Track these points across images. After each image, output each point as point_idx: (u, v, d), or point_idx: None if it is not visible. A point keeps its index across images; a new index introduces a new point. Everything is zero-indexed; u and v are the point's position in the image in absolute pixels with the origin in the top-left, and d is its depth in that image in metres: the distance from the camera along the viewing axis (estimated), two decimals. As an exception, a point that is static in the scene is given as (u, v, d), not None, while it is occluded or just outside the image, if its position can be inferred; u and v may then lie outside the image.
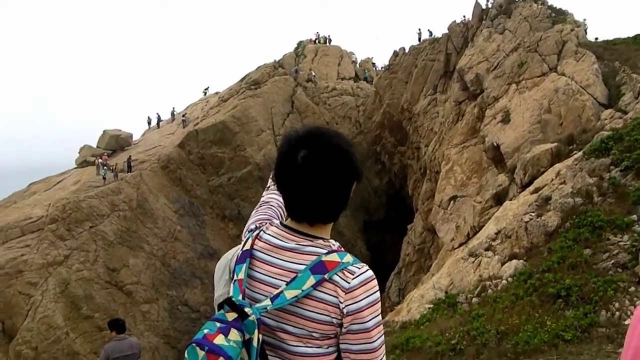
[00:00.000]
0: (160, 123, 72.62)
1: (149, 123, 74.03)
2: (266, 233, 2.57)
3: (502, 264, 17.18)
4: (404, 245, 45.00)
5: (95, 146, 63.82)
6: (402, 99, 53.94)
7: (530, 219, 17.26)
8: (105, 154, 56.78)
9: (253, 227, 2.77)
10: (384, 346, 2.41)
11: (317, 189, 2.40)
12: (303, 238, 2.47)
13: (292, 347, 2.38)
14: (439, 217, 36.33)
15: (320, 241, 2.46)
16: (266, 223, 2.72)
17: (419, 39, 61.60)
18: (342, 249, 2.49)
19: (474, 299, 16.29)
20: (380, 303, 2.39)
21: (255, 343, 2.25)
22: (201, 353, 2.17)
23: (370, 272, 2.40)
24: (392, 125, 56.09)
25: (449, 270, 21.28)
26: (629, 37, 37.62)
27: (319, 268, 2.34)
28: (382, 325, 2.40)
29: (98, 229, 45.73)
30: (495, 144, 32.37)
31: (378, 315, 2.37)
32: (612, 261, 13.08)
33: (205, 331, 2.23)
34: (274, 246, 2.49)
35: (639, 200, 14.74)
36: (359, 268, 2.38)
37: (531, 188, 23.37)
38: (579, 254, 13.79)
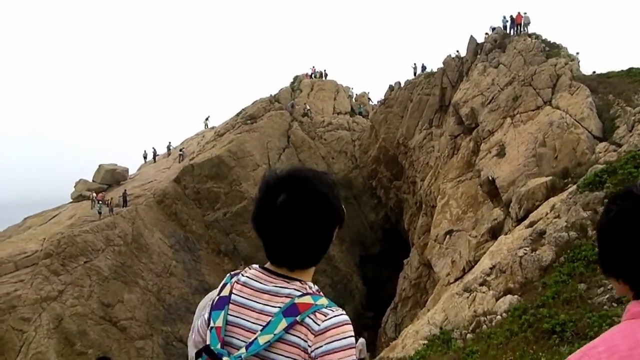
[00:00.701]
0: (157, 157, 72.63)
1: (145, 157, 74.12)
2: (244, 276, 2.46)
3: (497, 299, 17.00)
4: (400, 280, 44.78)
5: (91, 180, 63.76)
6: (398, 133, 54.00)
7: (525, 254, 17.12)
8: (102, 191, 56.64)
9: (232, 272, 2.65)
10: None
11: (296, 234, 2.31)
12: (281, 280, 2.37)
13: None
14: (435, 251, 36.19)
15: (298, 283, 2.36)
16: (247, 267, 2.59)
17: (414, 73, 61.80)
18: (320, 292, 2.38)
19: (469, 335, 16.09)
20: (353, 350, 2.24)
21: None
22: None
23: (345, 317, 2.28)
24: (388, 159, 56.11)
25: (443, 306, 21.08)
26: (622, 70, 37.70)
27: (291, 311, 2.24)
28: None
29: (93, 264, 45.54)
30: (490, 177, 32.30)
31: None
32: (607, 296, 12.90)
33: None
34: (252, 289, 2.40)
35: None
36: (332, 311, 2.27)
37: (526, 222, 23.25)
38: (574, 288, 13.63)
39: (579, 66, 39.42)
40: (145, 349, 44.88)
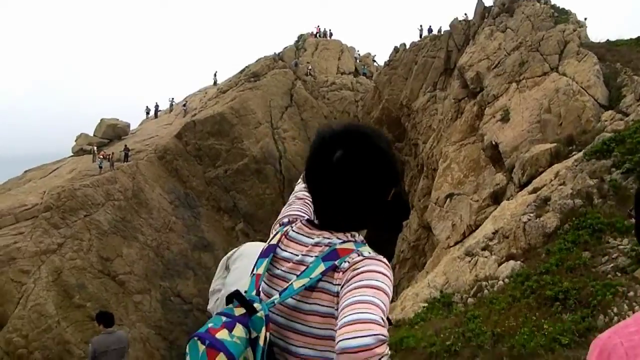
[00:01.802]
0: (159, 113, 72.39)
1: (147, 113, 73.92)
2: (293, 230, 2.37)
3: (499, 265, 16.98)
4: (399, 241, 44.79)
5: (92, 134, 63.69)
6: (402, 95, 53.71)
7: (529, 220, 17.06)
8: (103, 151, 56.46)
9: (286, 220, 2.57)
10: (382, 309, 1.90)
11: (351, 193, 2.20)
12: (325, 232, 2.27)
13: (296, 348, 2.16)
14: (435, 214, 36.17)
15: (341, 234, 2.24)
16: (298, 220, 2.48)
17: (420, 36, 61.39)
18: (365, 242, 2.27)
19: (470, 299, 16.10)
20: (387, 295, 1.96)
21: (261, 342, 2.03)
22: (202, 347, 1.98)
23: (383, 260, 2.12)
24: (391, 121, 55.85)
25: (444, 269, 21.09)
26: (631, 39, 37.39)
27: (331, 256, 2.14)
28: (384, 306, 1.90)
29: (92, 218, 45.70)
30: (494, 142, 32.19)
31: (380, 298, 1.91)
32: (612, 265, 12.89)
33: (210, 325, 2.05)
34: (297, 242, 2.31)
35: (640, 203, 14.54)
36: (370, 254, 2.13)
37: (529, 188, 23.19)
38: (578, 256, 13.60)
39: (587, 33, 39.12)
40: (143, 303, 45.19)
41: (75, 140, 63.53)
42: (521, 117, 31.83)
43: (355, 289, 1.94)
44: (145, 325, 44.14)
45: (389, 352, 1.81)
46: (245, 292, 2.22)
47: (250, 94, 60.25)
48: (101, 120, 65.32)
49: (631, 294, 11.58)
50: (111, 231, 46.22)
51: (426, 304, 18.29)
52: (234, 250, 5.44)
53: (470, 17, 50.57)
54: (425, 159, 44.67)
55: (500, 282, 15.48)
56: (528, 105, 32.17)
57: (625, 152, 17.19)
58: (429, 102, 48.79)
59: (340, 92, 65.64)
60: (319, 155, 2.26)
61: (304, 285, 2.10)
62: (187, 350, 2.02)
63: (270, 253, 2.33)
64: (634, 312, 11.33)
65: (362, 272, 2.00)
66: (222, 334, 1.99)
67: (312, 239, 2.26)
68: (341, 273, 2.06)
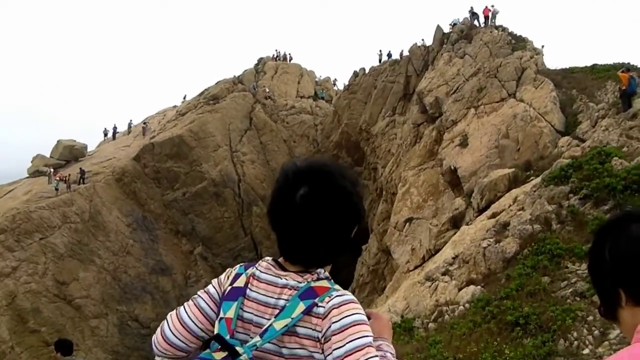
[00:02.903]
0: (117, 135, 71.84)
1: (105, 134, 73.22)
2: (260, 271, 2.29)
3: (460, 290, 17.07)
4: (358, 265, 44.88)
5: (48, 156, 62.90)
6: (361, 120, 54.08)
7: (489, 245, 17.19)
8: (60, 172, 55.71)
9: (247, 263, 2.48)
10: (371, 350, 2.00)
11: (315, 231, 2.17)
12: (293, 274, 2.22)
13: None
14: (394, 238, 36.31)
15: (307, 274, 2.20)
16: (261, 260, 2.42)
17: (380, 60, 61.96)
18: (330, 278, 2.25)
19: (431, 324, 16.14)
20: (366, 326, 2.03)
21: None
22: None
23: (351, 296, 2.12)
24: (350, 145, 56.16)
25: (405, 294, 21.13)
26: (586, 66, 38.19)
27: (308, 293, 2.11)
28: (372, 346, 2.00)
29: (48, 241, 44.99)
30: (452, 167, 32.47)
31: (365, 335, 2.00)
32: (571, 289, 13.02)
33: None
34: (267, 283, 2.24)
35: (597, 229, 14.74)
36: (339, 292, 2.11)
37: (488, 213, 23.40)
38: (538, 281, 13.71)
39: (544, 60, 39.82)
40: (100, 328, 44.53)
41: (32, 162, 62.60)
42: (479, 142, 32.18)
43: (347, 355, 1.95)
44: (102, 351, 43.47)
45: None
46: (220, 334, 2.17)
47: (209, 117, 60.11)
48: (58, 141, 64.51)
49: (590, 318, 11.70)
50: (67, 254, 45.56)
51: (387, 329, 18.27)
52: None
53: (429, 43, 51.15)
54: (384, 183, 44.89)
55: (461, 307, 15.54)
56: (486, 131, 32.55)
57: (582, 178, 17.42)
58: (388, 126, 49.15)
59: (299, 116, 65.84)
60: (283, 192, 2.23)
61: (286, 325, 2.05)
62: None
63: (238, 296, 2.24)
64: (593, 337, 11.49)
65: (343, 330, 2.00)
66: None
67: (281, 279, 2.21)
68: (320, 320, 2.05)
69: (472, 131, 33.65)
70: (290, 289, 2.16)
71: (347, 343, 1.95)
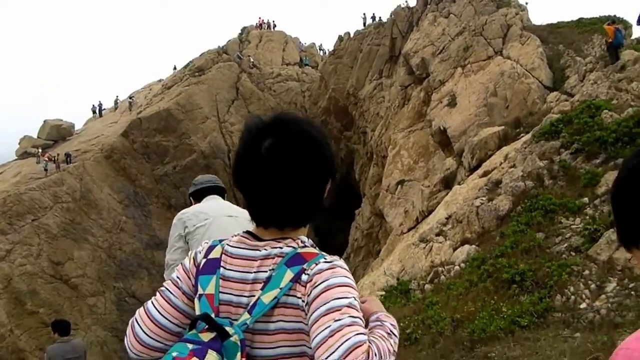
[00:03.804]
0: (103, 112, 71.50)
1: (94, 112, 72.75)
2: (230, 245, 2.09)
3: (454, 250, 17.08)
4: (352, 230, 45.08)
5: (36, 136, 62.63)
6: (348, 84, 53.85)
7: (481, 204, 17.17)
8: (48, 152, 55.48)
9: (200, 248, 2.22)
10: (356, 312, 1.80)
11: (283, 184, 1.97)
12: (270, 242, 2.03)
13: None
14: (387, 201, 36.36)
15: (289, 240, 2.02)
16: (233, 235, 2.19)
17: (364, 24, 61.58)
18: (315, 245, 2.07)
19: (427, 286, 16.15)
20: (351, 289, 1.85)
21: None
22: None
23: (339, 261, 1.94)
24: (338, 110, 55.97)
25: (400, 256, 21.16)
26: (572, 21, 38.04)
27: (296, 260, 1.93)
28: (354, 307, 1.81)
29: (41, 222, 44.86)
30: (442, 127, 32.41)
31: (345, 296, 1.81)
32: (565, 245, 13.01)
33: (174, 354, 1.80)
34: (240, 258, 2.03)
35: (589, 183, 14.72)
36: (325, 257, 1.95)
37: (480, 171, 23.38)
38: (532, 238, 13.70)
39: (529, 16, 39.59)
40: (98, 305, 44.58)
41: (19, 143, 62.38)
42: (468, 102, 32.11)
43: (322, 315, 1.77)
44: (101, 328, 43.54)
45: (375, 351, 1.74)
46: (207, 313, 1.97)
47: (195, 89, 59.72)
48: (44, 121, 64.20)
49: (586, 272, 11.70)
50: (61, 234, 45.43)
51: (384, 292, 18.31)
52: (183, 215, 5.37)
53: (412, 4, 50.86)
54: (374, 147, 44.85)
55: (457, 267, 15.56)
56: (474, 90, 32.46)
57: (573, 132, 17.36)
58: (375, 89, 49.00)
59: (286, 84, 65.52)
60: (247, 146, 2.06)
61: (275, 297, 1.88)
62: None
63: (216, 268, 2.04)
64: (589, 291, 11.50)
65: (323, 292, 1.82)
66: None
67: (259, 251, 2.02)
68: (304, 287, 1.87)
69: (460, 90, 33.56)
70: (273, 258, 1.97)
71: (324, 304, 1.78)
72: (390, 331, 1.98)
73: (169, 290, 2.14)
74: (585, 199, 14.28)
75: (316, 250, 1.99)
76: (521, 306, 11.64)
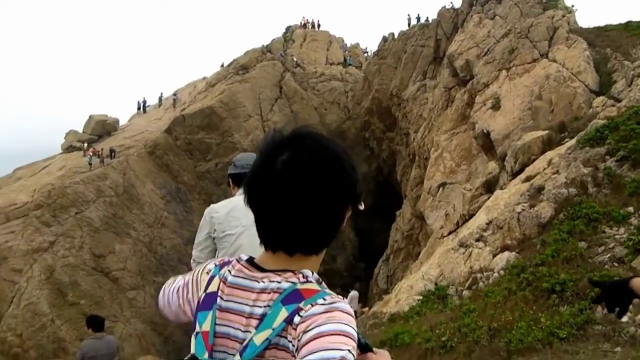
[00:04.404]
0: (147, 108, 72.22)
1: (138, 108, 73.56)
2: (232, 274, 1.94)
3: (494, 256, 16.85)
4: (392, 231, 44.85)
5: (81, 131, 63.40)
6: (391, 85, 53.59)
7: (523, 210, 16.91)
8: (93, 147, 56.14)
9: (211, 266, 2.09)
10: None
11: (298, 202, 1.79)
12: (272, 274, 1.86)
13: None
14: (428, 204, 36.11)
15: (289, 273, 1.84)
16: (234, 260, 2.03)
17: (409, 24, 61.25)
18: (323, 283, 1.89)
19: (465, 292, 15.97)
20: (348, 339, 1.65)
21: None
22: None
23: (342, 304, 1.75)
24: (381, 111, 55.76)
25: (438, 261, 20.98)
26: (620, 24, 37.34)
27: (293, 297, 1.76)
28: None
29: (84, 215, 45.36)
30: (485, 130, 32.06)
31: (338, 348, 1.61)
32: (608, 255, 12.71)
33: None
34: (239, 288, 1.89)
35: (635, 192, 14.38)
36: (328, 296, 1.76)
37: (522, 176, 23.07)
38: (574, 247, 13.42)
39: (576, 19, 39.00)
40: (137, 299, 44.94)
41: (65, 137, 63.16)
42: (512, 105, 31.71)
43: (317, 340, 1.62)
44: (140, 321, 43.88)
45: None
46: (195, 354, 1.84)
47: (239, 87, 59.93)
48: (90, 116, 64.89)
49: (630, 286, 11.41)
50: (103, 228, 45.91)
51: (421, 297, 18.16)
52: (214, 213, 5.27)
53: (458, 5, 50.47)
54: (416, 148, 44.58)
55: (496, 274, 15.33)
56: (519, 93, 32.04)
57: (619, 139, 17.00)
58: (419, 91, 48.67)
59: (329, 83, 65.42)
60: (264, 161, 1.90)
61: (267, 339, 1.73)
62: None
63: (212, 305, 1.91)
64: (632, 304, 11.22)
65: (315, 338, 1.63)
66: None
67: (258, 283, 1.86)
68: (295, 330, 1.71)
69: (504, 93, 33.15)
70: (270, 293, 1.82)
71: (312, 353, 1.59)
72: None
73: (181, 289, 2.16)
74: (631, 209, 13.95)
75: (318, 287, 1.81)
76: (560, 317, 11.39)
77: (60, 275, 42.04)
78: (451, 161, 36.02)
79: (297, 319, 1.70)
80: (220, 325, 1.87)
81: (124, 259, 45.95)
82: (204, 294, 1.96)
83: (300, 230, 1.83)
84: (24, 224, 43.89)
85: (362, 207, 2.02)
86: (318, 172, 1.82)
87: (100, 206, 46.95)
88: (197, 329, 1.89)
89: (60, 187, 46.00)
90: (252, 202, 1.91)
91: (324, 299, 1.73)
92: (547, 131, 25.99)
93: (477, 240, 19.10)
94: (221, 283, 1.94)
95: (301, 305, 1.72)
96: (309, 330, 1.65)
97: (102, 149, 53.92)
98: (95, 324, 10.27)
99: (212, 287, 1.95)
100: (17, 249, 41.93)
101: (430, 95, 45.84)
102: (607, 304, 2.41)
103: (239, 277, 1.92)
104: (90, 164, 50.83)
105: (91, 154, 52.44)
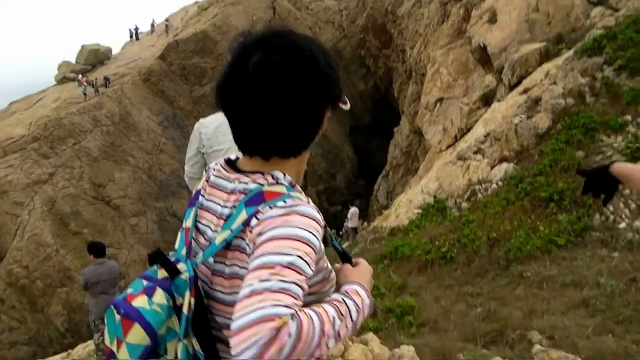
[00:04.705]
0: (140, 35, 71.47)
1: (131, 36, 72.73)
2: (213, 174, 1.95)
3: (492, 168, 16.90)
4: (391, 148, 44.89)
5: (74, 62, 62.93)
6: (386, 2, 52.91)
7: (520, 121, 16.89)
8: (85, 76, 55.70)
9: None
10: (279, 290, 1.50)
11: (271, 104, 1.72)
12: (243, 175, 1.84)
13: (224, 320, 1.78)
14: (426, 119, 36.02)
15: (258, 174, 1.80)
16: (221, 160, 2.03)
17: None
18: (297, 186, 1.83)
19: (464, 204, 16.09)
20: (302, 244, 1.60)
21: (185, 309, 1.67)
22: (117, 317, 1.66)
23: (305, 207, 1.69)
24: (376, 28, 55.17)
25: (437, 174, 21.04)
26: None
27: (256, 199, 1.72)
28: (294, 269, 1.55)
29: (82, 146, 45.37)
30: (481, 44, 31.72)
31: (286, 252, 1.56)
32: (606, 163, 12.78)
33: (129, 290, 1.72)
34: (219, 189, 1.89)
35: (633, 100, 14.35)
36: (290, 199, 1.70)
37: (520, 88, 22.96)
38: (571, 156, 13.48)
39: None
40: (140, 225, 45.32)
41: (58, 69, 62.68)
42: (509, 18, 31.29)
43: (253, 270, 1.55)
44: (143, 247, 44.26)
45: (294, 328, 1.43)
46: (160, 249, 1.84)
47: (232, 10, 59.17)
48: (82, 46, 64.25)
49: (626, 191, 11.50)
50: (102, 157, 45.95)
51: (420, 210, 18.30)
52: (202, 129, 5.26)
53: None
54: (413, 65, 44.24)
55: (494, 186, 15.43)
56: (515, 6, 31.57)
57: (617, 48, 16.84)
58: (414, 7, 48.02)
59: (323, 2, 64.64)
60: (234, 63, 1.81)
61: (224, 240, 1.71)
62: (106, 319, 1.71)
63: (196, 201, 1.93)
64: (629, 210, 11.32)
65: (266, 242, 1.60)
66: (140, 301, 1.68)
67: (230, 183, 1.85)
68: (251, 233, 1.66)
69: (500, 7, 32.67)
70: (237, 194, 1.80)
71: (260, 257, 1.56)
72: (348, 312, 1.68)
73: None
74: (628, 117, 13.96)
75: (284, 190, 1.74)
76: (559, 225, 11.54)
77: (62, 205, 42.29)
78: (448, 76, 35.78)
79: (254, 221, 1.67)
80: (199, 222, 1.90)
81: (124, 186, 46.14)
82: (195, 192, 1.98)
83: (271, 132, 1.78)
84: (22, 157, 43.94)
85: (346, 106, 1.98)
86: (290, 73, 1.75)
87: (98, 135, 46.90)
88: (183, 224, 1.93)
89: (57, 119, 45.86)
90: (224, 105, 1.87)
91: (285, 202, 1.69)
92: (544, 43, 25.74)
93: (475, 152, 19.12)
94: (205, 182, 1.96)
95: (260, 207, 1.69)
96: (263, 233, 1.62)
97: (96, 79, 53.51)
98: (96, 250, 10.38)
99: (200, 185, 1.98)
100: (17, 183, 42.09)
101: (426, 10, 45.23)
102: (592, 191, 2.46)
103: (218, 177, 1.92)
104: (85, 94, 50.47)
105: (85, 83, 52.02)
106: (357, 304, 1.73)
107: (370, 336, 6.25)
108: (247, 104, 1.75)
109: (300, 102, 1.76)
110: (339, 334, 1.59)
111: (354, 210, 31.42)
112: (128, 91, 51.51)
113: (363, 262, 2.06)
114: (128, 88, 51.88)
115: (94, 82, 52.23)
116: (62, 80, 60.20)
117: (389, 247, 14.49)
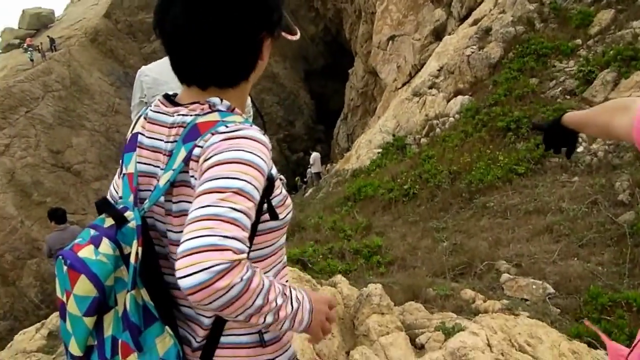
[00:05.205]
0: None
1: (71, -5, 71.11)
2: (151, 110, 1.84)
3: (448, 101, 16.97)
4: (347, 90, 44.74)
5: (16, 28, 61.49)
6: (331, -60, 52.27)
7: (472, 52, 16.91)
8: (29, 37, 54.44)
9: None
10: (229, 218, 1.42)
11: (200, 31, 1.66)
12: (182, 107, 1.75)
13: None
14: (379, 58, 35.88)
15: (196, 105, 1.72)
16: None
17: None
18: (236, 110, 1.76)
19: (423, 140, 16.15)
20: (251, 168, 1.53)
21: (132, 259, 1.59)
22: (65, 268, 1.58)
23: (248, 130, 1.63)
24: (323, -32, 54.58)
25: (394, 112, 21.06)
26: None
27: (191, 134, 1.65)
28: (244, 195, 1.48)
29: (35, 113, 44.52)
30: (429, -22, 31.60)
31: (238, 177, 1.49)
32: (560, 88, 12.88)
33: (77, 240, 1.65)
34: (160, 124, 1.78)
35: (582, 23, 14.41)
36: (228, 125, 1.63)
37: (470, 20, 22.91)
38: (525, 84, 13.57)
39: None
40: (103, 189, 44.80)
41: (1, 36, 61.26)
42: (454, -52, 31.15)
43: (200, 194, 1.48)
44: (109, 210, 44.12)
45: (246, 274, 1.39)
46: (121, 197, 1.78)
47: (171, -42, 58.21)
48: (23, 11, 62.63)
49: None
50: (56, 123, 45.18)
51: (380, 150, 18.34)
52: (143, 77, 5.12)
53: None
54: (362, 4, 43.86)
55: (451, 119, 15.50)
56: None
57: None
58: (359, -56, 47.50)
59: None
60: None
61: (168, 180, 1.64)
62: (56, 271, 1.63)
63: (136, 145, 1.81)
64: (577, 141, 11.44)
65: (213, 166, 1.52)
66: (86, 252, 1.60)
67: (170, 117, 1.75)
68: (196, 162, 1.60)
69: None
70: (177, 127, 1.71)
71: (208, 181, 1.49)
72: (290, 299, 1.60)
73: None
74: (579, 41, 14.04)
75: (219, 117, 1.67)
76: (517, 154, 11.65)
77: (22, 176, 41.67)
78: (398, 13, 35.55)
79: (197, 150, 1.60)
80: (141, 163, 1.79)
81: (83, 151, 45.56)
82: (130, 135, 1.88)
83: (204, 61, 1.71)
84: (-27, 131, 43.16)
85: (294, 37, 1.94)
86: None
87: (50, 101, 46.04)
88: (124, 170, 1.83)
89: (6, 88, 44.86)
90: (159, 32, 1.78)
91: (227, 126, 1.63)
92: (491, -28, 25.69)
93: (430, 87, 19.15)
94: (143, 120, 1.85)
95: (196, 142, 1.62)
96: (209, 158, 1.55)
97: (41, 43, 52.16)
98: (57, 216, 10.27)
99: (137, 128, 1.86)
100: (-29, 156, 41.40)
101: (371, -53, 44.84)
102: (553, 147, 2.43)
103: (156, 112, 1.82)
104: (31, 60, 49.29)
105: (31, 47, 50.80)
106: (298, 299, 1.65)
107: (339, 278, 6.26)
108: (181, 29, 1.68)
109: (234, 26, 1.69)
110: (278, 312, 1.53)
111: (315, 155, 31.41)
112: (76, 53, 50.49)
113: (327, 294, 1.95)
114: (76, 50, 50.84)
115: (40, 47, 51.07)
116: (6, 47, 58.82)
117: (352, 189, 14.53)
